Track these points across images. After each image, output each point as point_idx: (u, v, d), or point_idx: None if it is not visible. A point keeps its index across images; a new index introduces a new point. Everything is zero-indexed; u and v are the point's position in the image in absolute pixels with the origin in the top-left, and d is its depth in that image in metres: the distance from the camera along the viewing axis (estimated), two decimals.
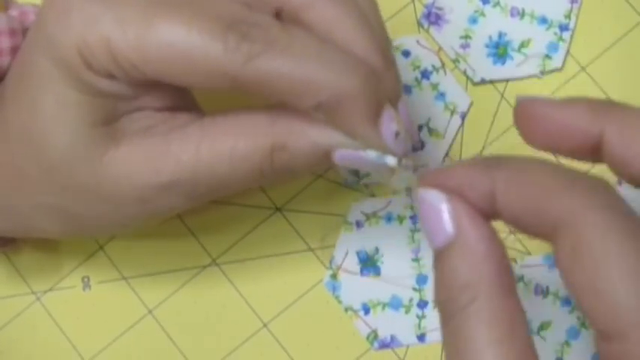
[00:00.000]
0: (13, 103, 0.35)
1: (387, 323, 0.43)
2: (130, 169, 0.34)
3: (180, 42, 0.32)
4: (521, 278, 0.43)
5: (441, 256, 0.30)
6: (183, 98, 0.37)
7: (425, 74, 0.45)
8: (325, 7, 0.35)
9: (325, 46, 0.33)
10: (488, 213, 0.31)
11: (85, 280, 0.44)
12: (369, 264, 0.43)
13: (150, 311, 0.43)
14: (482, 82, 0.45)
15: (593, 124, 0.31)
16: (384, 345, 0.43)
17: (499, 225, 0.43)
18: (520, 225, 0.30)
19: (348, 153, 0.34)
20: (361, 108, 0.33)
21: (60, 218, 0.37)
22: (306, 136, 0.34)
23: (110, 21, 0.33)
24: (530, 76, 0.45)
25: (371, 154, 0.34)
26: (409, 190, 0.42)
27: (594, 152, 0.31)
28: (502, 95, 0.45)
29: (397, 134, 0.34)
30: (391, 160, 0.34)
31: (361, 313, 0.43)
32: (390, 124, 0.34)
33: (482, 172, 0.30)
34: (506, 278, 0.30)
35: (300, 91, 0.32)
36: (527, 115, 0.32)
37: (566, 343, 0.43)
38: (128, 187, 0.35)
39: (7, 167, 0.36)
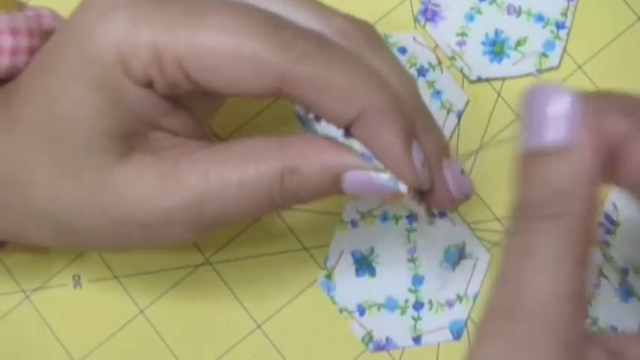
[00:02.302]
0: (29, 99, 0.35)
1: (383, 325, 0.43)
2: (137, 189, 0.34)
3: (232, 39, 0.32)
4: None
5: (540, 157, 0.29)
6: (198, 128, 0.36)
7: (421, 72, 0.44)
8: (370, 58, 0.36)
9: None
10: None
11: (76, 278, 0.43)
12: (364, 264, 0.43)
13: (142, 311, 0.43)
14: (479, 80, 0.44)
15: None
16: (379, 347, 0.43)
17: (496, 225, 0.43)
18: None
19: (359, 175, 0.34)
20: (398, 126, 0.34)
21: (54, 228, 0.36)
22: (318, 159, 0.34)
23: (158, 21, 0.32)
24: (526, 75, 0.45)
25: (383, 178, 0.34)
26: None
27: None
28: (499, 93, 0.44)
29: (423, 164, 0.34)
30: (403, 187, 0.34)
31: (356, 314, 0.43)
32: (418, 153, 0.34)
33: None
34: (594, 209, 0.29)
35: (346, 96, 0.33)
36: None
37: None
38: (133, 207, 0.34)
39: (7, 166, 0.35)
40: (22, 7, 0.39)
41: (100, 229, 0.35)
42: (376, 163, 0.34)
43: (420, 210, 0.35)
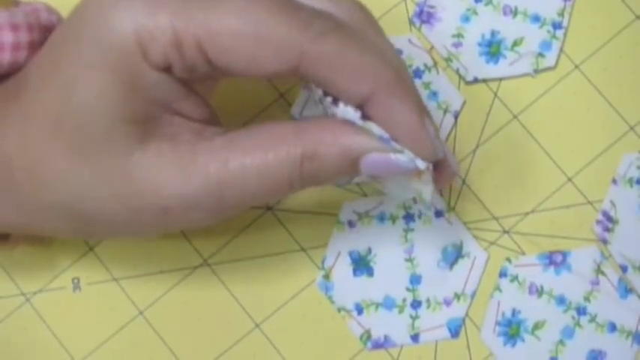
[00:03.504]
0: (42, 91, 0.35)
1: (381, 323, 0.43)
2: (156, 176, 0.34)
3: (252, 19, 0.33)
4: (516, 277, 0.43)
5: None
6: (212, 113, 0.37)
7: (417, 73, 0.44)
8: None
9: None
10: None
11: (75, 281, 0.43)
12: (361, 264, 0.43)
13: (141, 312, 0.43)
14: (475, 81, 0.45)
15: None
16: (377, 345, 0.43)
17: (493, 224, 0.43)
18: None
19: (378, 158, 0.35)
20: (412, 101, 0.34)
21: (70, 219, 0.36)
22: (337, 143, 0.34)
23: (176, 6, 0.33)
24: (523, 75, 0.45)
25: (402, 159, 0.34)
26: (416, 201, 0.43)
27: None
28: (495, 94, 0.44)
29: (435, 135, 0.35)
30: (421, 165, 0.35)
31: (354, 313, 0.43)
32: (430, 125, 0.35)
33: None
34: None
35: (361, 73, 0.34)
36: None
37: (561, 343, 0.43)
38: (152, 195, 0.34)
39: (21, 160, 0.35)
40: (17, 4, 0.39)
41: (118, 217, 0.35)
42: (394, 144, 0.34)
43: (430, 189, 0.36)
